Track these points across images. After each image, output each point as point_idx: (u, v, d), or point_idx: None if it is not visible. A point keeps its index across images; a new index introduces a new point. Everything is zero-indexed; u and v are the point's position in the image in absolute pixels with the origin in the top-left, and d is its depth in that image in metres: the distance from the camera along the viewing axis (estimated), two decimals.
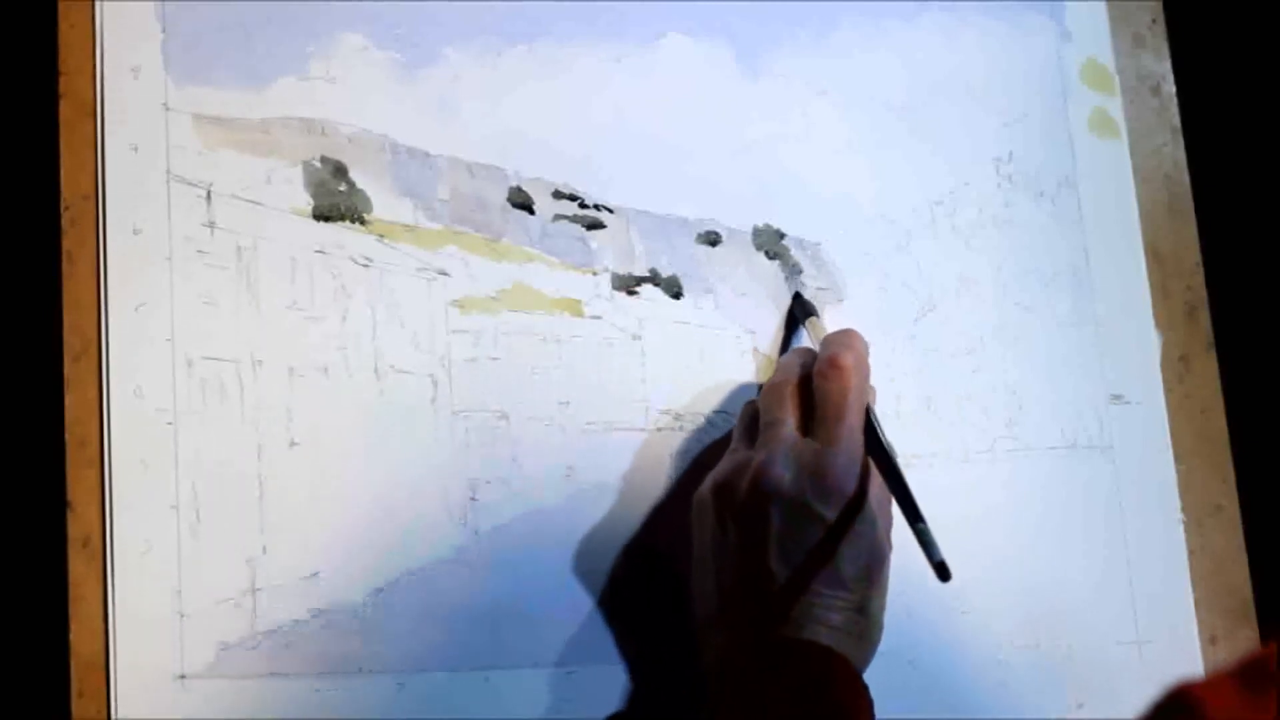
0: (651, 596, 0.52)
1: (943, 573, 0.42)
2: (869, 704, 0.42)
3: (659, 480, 0.53)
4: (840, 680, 0.42)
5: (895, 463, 0.46)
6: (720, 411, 0.54)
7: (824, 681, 0.42)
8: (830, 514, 0.44)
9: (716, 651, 0.45)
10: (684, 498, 0.51)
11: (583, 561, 0.52)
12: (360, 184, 0.54)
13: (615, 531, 0.52)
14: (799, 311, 0.54)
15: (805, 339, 0.54)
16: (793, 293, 0.55)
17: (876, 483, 0.46)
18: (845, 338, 0.49)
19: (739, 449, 0.48)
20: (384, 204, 0.53)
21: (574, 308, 0.54)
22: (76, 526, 0.50)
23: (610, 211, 0.55)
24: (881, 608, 0.46)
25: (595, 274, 0.55)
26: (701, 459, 0.53)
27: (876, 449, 0.46)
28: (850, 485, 0.44)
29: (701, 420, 0.54)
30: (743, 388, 0.54)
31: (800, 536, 0.44)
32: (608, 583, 0.52)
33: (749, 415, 0.50)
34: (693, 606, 0.49)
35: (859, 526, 0.44)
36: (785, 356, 0.52)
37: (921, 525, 0.43)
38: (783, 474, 0.44)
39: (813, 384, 0.47)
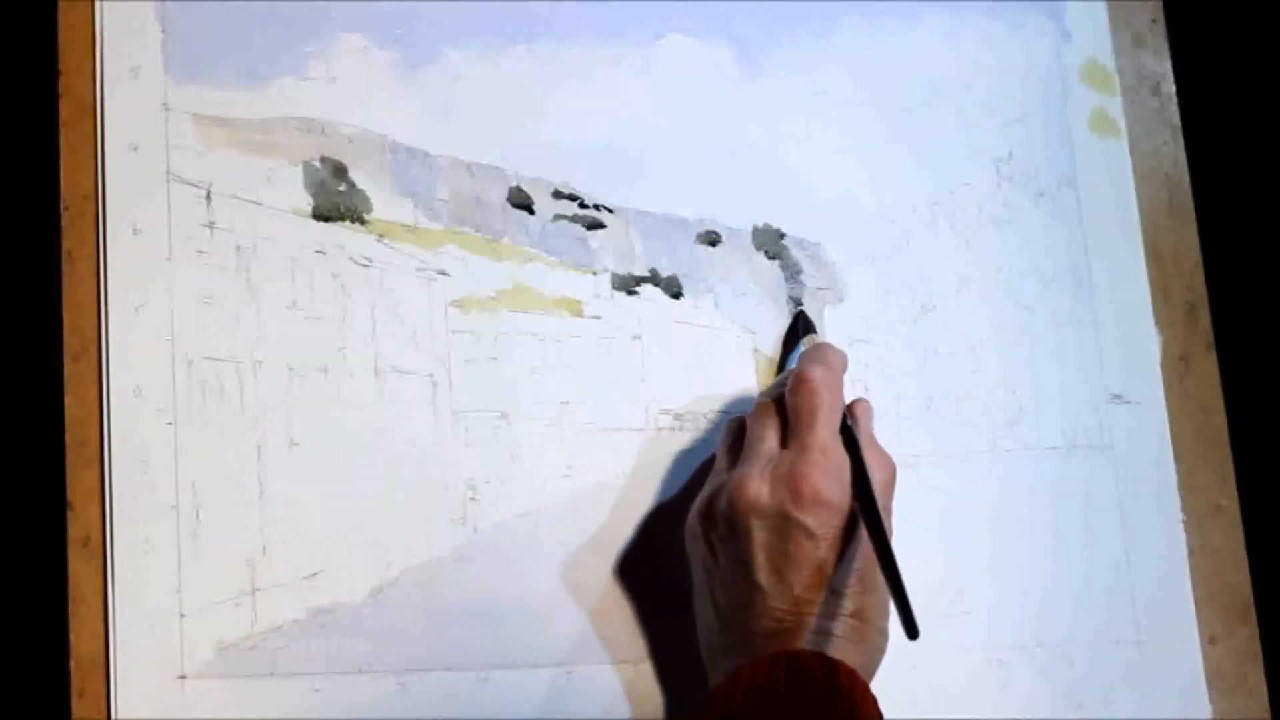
0: (651, 596, 0.52)
1: (910, 630, 0.40)
2: (876, 711, 0.42)
3: (659, 480, 0.53)
4: (844, 689, 0.41)
5: (870, 485, 0.44)
6: (720, 411, 0.54)
7: (829, 692, 0.41)
8: (811, 522, 0.43)
9: (721, 676, 0.44)
10: (685, 497, 0.51)
11: (582, 561, 0.52)
12: (360, 184, 0.54)
13: (615, 531, 0.52)
14: (801, 329, 0.54)
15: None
16: (796, 310, 0.55)
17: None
18: (818, 353, 0.48)
19: (721, 470, 0.48)
20: (384, 204, 0.53)
21: (574, 308, 0.54)
22: (76, 526, 0.50)
23: (610, 211, 0.55)
24: (883, 612, 0.45)
25: (595, 274, 0.55)
26: (702, 462, 0.53)
27: (856, 462, 0.45)
28: (827, 491, 0.43)
29: (702, 420, 0.54)
30: (743, 388, 0.54)
31: (785, 548, 0.43)
32: (607, 582, 0.52)
33: (732, 434, 0.49)
34: (698, 635, 0.48)
35: (845, 531, 0.44)
36: (777, 379, 0.51)
37: (891, 562, 0.42)
38: (760, 488, 0.44)
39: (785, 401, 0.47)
